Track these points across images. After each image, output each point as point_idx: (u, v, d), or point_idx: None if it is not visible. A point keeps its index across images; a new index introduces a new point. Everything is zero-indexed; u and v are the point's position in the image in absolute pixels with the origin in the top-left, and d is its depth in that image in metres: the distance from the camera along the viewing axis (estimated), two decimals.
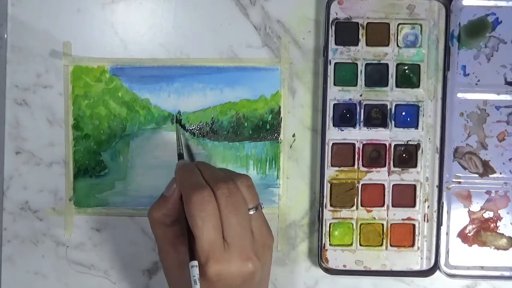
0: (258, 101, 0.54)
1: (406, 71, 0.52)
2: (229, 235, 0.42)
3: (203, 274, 0.41)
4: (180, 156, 0.50)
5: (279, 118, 0.54)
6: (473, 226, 0.54)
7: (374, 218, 0.53)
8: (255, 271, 0.43)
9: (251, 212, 0.44)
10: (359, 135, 0.53)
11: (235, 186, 0.44)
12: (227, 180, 0.44)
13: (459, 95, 0.53)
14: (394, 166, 0.53)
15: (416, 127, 0.53)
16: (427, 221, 0.53)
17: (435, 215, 0.53)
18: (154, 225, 0.46)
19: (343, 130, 0.53)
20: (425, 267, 0.53)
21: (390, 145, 0.53)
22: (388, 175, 0.53)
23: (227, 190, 0.43)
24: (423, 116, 0.53)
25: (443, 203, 0.53)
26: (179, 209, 0.45)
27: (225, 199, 0.42)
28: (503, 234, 0.54)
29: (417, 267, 0.53)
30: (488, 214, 0.54)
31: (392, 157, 0.53)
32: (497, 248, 0.54)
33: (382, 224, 0.53)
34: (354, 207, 0.53)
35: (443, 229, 0.53)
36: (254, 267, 0.43)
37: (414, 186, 0.53)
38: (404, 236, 0.53)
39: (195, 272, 0.41)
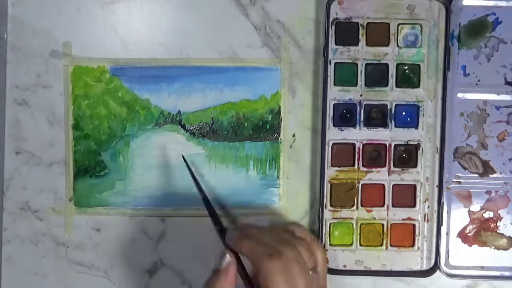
0: (258, 101, 0.54)
1: (406, 71, 0.52)
2: None
3: None
4: (206, 200, 0.50)
5: (279, 118, 0.54)
6: (473, 226, 0.54)
7: (374, 218, 0.53)
8: None
9: (310, 273, 0.45)
10: (359, 135, 0.53)
11: (297, 249, 0.45)
12: (289, 243, 0.45)
13: (459, 95, 0.53)
14: (394, 166, 0.53)
15: (416, 127, 0.53)
16: (427, 221, 0.53)
17: (435, 215, 0.53)
18: None
19: (343, 130, 0.53)
20: (425, 267, 0.53)
21: (390, 145, 0.53)
22: (388, 175, 0.53)
23: (293, 254, 0.44)
24: (423, 116, 0.53)
25: (443, 203, 0.53)
26: (236, 281, 0.45)
27: (293, 263, 0.43)
28: (503, 234, 0.54)
29: (417, 267, 0.53)
30: (488, 214, 0.54)
31: (392, 157, 0.53)
32: (497, 248, 0.54)
33: (382, 224, 0.53)
34: (354, 207, 0.53)
35: (443, 229, 0.53)
36: None
37: (414, 186, 0.53)
38: (404, 236, 0.53)
39: None
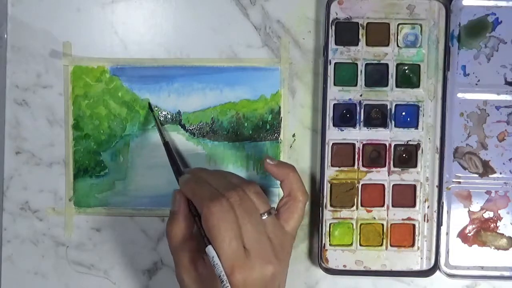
0: (258, 101, 0.54)
1: (406, 71, 0.52)
2: (247, 242, 0.42)
3: (230, 284, 0.41)
4: (167, 145, 0.51)
5: (279, 118, 0.54)
6: (473, 226, 0.54)
7: (374, 218, 0.53)
8: (276, 274, 0.43)
9: (264, 217, 0.44)
10: (359, 135, 0.53)
11: (244, 193, 0.44)
12: (235, 188, 0.44)
13: (459, 95, 0.53)
14: (394, 166, 0.53)
15: (416, 127, 0.53)
16: (427, 221, 0.53)
17: (435, 215, 0.53)
18: (171, 242, 0.46)
19: (343, 130, 0.53)
20: (425, 267, 0.53)
21: (390, 145, 0.53)
22: (388, 175, 0.53)
23: (238, 198, 0.43)
24: (423, 116, 0.52)
25: (443, 203, 0.53)
26: (190, 223, 0.46)
27: (237, 206, 0.43)
28: (503, 234, 0.54)
29: (417, 267, 0.53)
30: (488, 214, 0.54)
31: (392, 157, 0.53)
32: (497, 248, 0.54)
33: (382, 224, 0.53)
34: (354, 207, 0.53)
35: (443, 229, 0.53)
36: (275, 270, 0.43)
37: (414, 186, 0.53)
38: (404, 236, 0.53)
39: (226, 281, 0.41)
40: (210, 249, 0.42)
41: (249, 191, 0.45)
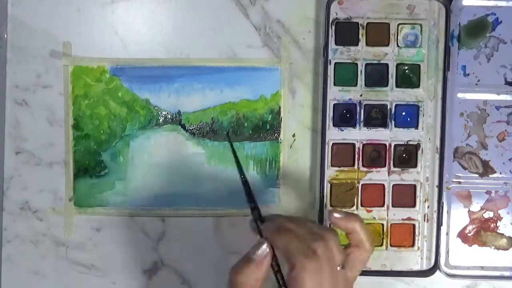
0: (258, 101, 0.54)
1: (406, 71, 0.52)
2: None
3: None
4: (246, 184, 0.46)
5: (279, 118, 0.54)
6: (473, 226, 0.54)
7: (374, 218, 0.53)
8: None
9: (338, 269, 0.44)
10: (359, 135, 0.53)
11: (327, 244, 0.43)
12: (318, 239, 0.43)
13: (459, 95, 0.53)
14: (394, 166, 0.53)
15: (416, 127, 0.53)
16: (427, 221, 0.53)
17: (435, 215, 0.53)
18: None
19: (343, 130, 0.53)
20: (425, 267, 0.53)
21: (390, 145, 0.53)
22: (388, 175, 0.53)
23: (322, 250, 0.42)
24: (423, 116, 0.53)
25: (443, 203, 0.53)
26: (267, 275, 0.44)
27: (325, 262, 0.42)
28: (503, 234, 0.54)
29: (417, 267, 0.53)
30: (488, 214, 0.54)
31: (392, 157, 0.53)
32: (497, 248, 0.54)
33: (382, 224, 0.53)
34: (354, 207, 0.53)
35: (443, 229, 0.53)
36: None
37: (414, 186, 0.53)
38: (404, 236, 0.53)
39: None
40: None
41: (332, 242, 0.43)
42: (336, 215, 0.46)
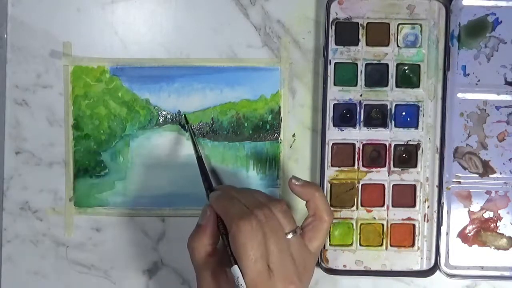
0: (258, 101, 0.54)
1: (406, 71, 0.52)
2: (272, 262, 0.43)
3: None
4: (199, 160, 0.51)
5: (279, 118, 0.54)
6: (473, 226, 0.54)
7: (374, 218, 0.53)
8: None
9: (289, 237, 0.44)
10: (359, 135, 0.53)
11: (271, 211, 0.44)
12: (262, 206, 0.44)
13: (459, 95, 0.53)
14: (394, 166, 0.53)
15: (416, 127, 0.53)
16: (427, 221, 0.53)
17: (435, 215, 0.53)
18: (195, 255, 0.46)
19: (343, 130, 0.53)
20: (425, 267, 0.53)
21: (390, 145, 0.53)
22: (388, 175, 0.53)
23: (265, 216, 0.43)
24: (423, 116, 0.53)
25: (443, 203, 0.53)
26: (216, 239, 0.46)
27: (265, 225, 0.43)
28: (503, 234, 0.54)
29: (417, 267, 0.53)
30: (488, 214, 0.54)
31: (392, 157, 0.53)
32: (497, 248, 0.54)
33: (382, 224, 0.53)
34: (354, 207, 0.53)
35: (443, 229, 0.53)
36: None
37: (414, 186, 0.53)
38: (404, 236, 0.53)
39: None
40: (235, 269, 0.42)
41: (276, 210, 0.45)
42: (294, 181, 0.47)
